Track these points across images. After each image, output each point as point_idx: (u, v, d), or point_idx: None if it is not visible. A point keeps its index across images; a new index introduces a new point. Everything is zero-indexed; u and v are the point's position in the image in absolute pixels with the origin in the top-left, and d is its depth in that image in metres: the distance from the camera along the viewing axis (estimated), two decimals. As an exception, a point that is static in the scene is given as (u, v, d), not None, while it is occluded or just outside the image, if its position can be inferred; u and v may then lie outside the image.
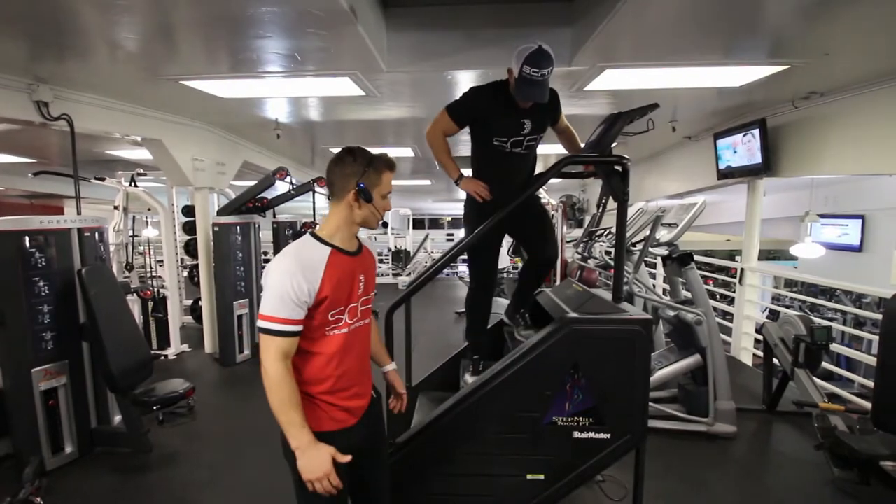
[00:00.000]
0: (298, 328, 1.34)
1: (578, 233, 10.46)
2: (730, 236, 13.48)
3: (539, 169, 2.35)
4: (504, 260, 8.60)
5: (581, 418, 1.94)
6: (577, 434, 1.95)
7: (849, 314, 8.55)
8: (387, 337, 2.09)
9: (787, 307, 7.82)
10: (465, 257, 2.43)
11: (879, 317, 6.19)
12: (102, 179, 5.25)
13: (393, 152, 6.99)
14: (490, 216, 2.07)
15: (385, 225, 2.53)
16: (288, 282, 1.30)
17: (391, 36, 2.88)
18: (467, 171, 2.27)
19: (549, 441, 1.94)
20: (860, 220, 9.62)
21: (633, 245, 3.84)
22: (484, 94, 2.10)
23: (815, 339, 3.14)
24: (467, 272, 2.53)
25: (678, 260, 3.36)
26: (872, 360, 4.79)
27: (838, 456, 2.71)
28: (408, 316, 2.68)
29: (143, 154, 5.84)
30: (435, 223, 21.97)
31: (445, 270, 12.61)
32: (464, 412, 1.96)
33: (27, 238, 2.81)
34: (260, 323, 1.33)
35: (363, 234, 1.58)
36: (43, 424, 2.91)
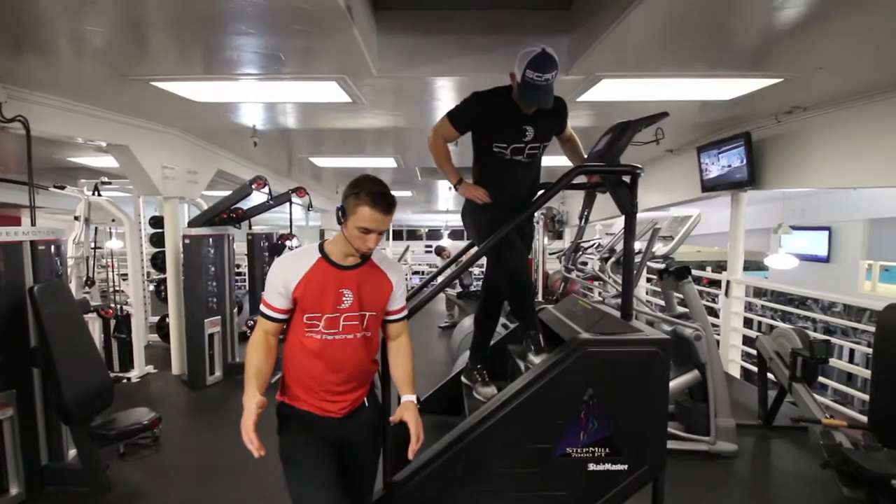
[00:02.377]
0: (279, 316, 1.56)
1: (558, 244, 10.54)
2: (700, 247, 13.81)
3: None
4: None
5: (596, 448, 1.80)
6: (592, 466, 1.80)
7: (818, 322, 8.79)
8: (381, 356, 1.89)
9: (761, 316, 7.98)
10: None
11: (849, 324, 6.34)
12: (62, 188, 4.88)
13: (373, 163, 6.86)
14: (497, 215, 1.99)
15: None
16: (275, 274, 1.55)
17: (381, 39, 2.73)
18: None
19: (563, 475, 1.78)
20: (827, 232, 10.00)
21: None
22: (485, 99, 2.01)
23: (814, 354, 3.09)
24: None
25: (675, 273, 3.29)
26: (850, 368, 4.93)
27: (845, 474, 2.64)
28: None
29: (107, 161, 5.48)
30: (413, 234, 21.81)
31: (415, 277, 12.47)
32: (468, 447, 1.78)
33: (-30, 252, 2.51)
34: (260, 305, 1.59)
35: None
36: (-16, 463, 2.57)
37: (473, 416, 1.82)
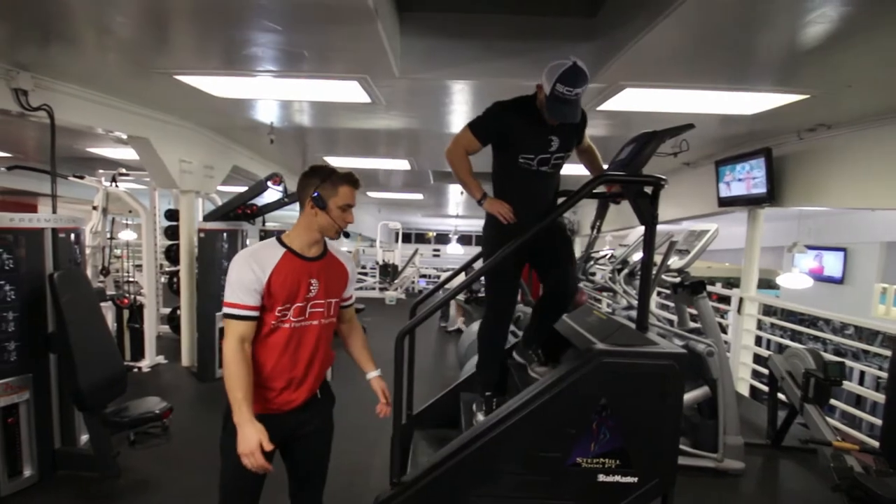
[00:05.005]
0: (253, 314, 1.54)
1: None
2: (710, 263, 13.67)
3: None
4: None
5: (607, 460, 1.78)
6: (602, 477, 1.78)
7: (830, 343, 8.66)
8: (396, 362, 1.89)
9: (770, 335, 7.88)
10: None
11: (862, 346, 6.22)
12: (81, 177, 4.95)
13: (386, 164, 6.89)
14: (513, 238, 1.91)
15: (346, 235, 2.59)
16: (244, 271, 1.52)
17: (405, 40, 2.75)
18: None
19: (572, 484, 1.77)
20: (843, 253, 9.86)
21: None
22: (509, 109, 1.96)
23: (828, 375, 3.05)
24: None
25: (690, 288, 3.26)
26: (861, 391, 4.84)
27: (856, 499, 2.60)
28: (411, 343, 2.50)
29: (125, 153, 5.56)
30: (421, 238, 21.85)
31: (422, 280, 12.45)
32: (479, 450, 1.78)
33: (-6, 237, 2.55)
34: (223, 309, 1.54)
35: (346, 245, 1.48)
36: (0, 444, 2.60)
37: (486, 420, 1.82)
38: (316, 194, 1.58)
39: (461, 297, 7.43)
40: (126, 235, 6.84)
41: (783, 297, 9.44)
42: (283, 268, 1.56)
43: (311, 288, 1.61)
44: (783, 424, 3.58)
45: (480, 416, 2.18)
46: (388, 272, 10.42)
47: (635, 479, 1.78)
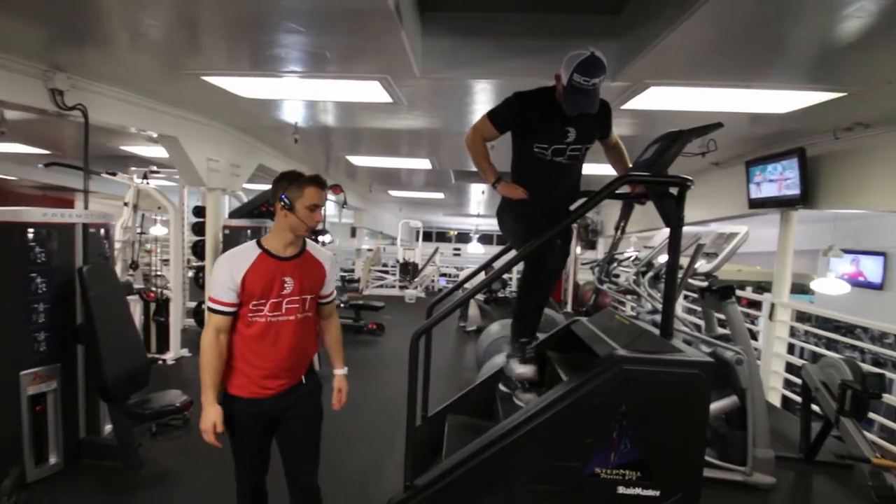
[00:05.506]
0: (229, 309, 1.70)
1: (591, 255, 10.30)
2: (741, 266, 13.22)
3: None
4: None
5: (627, 471, 1.72)
6: (621, 489, 1.72)
7: (867, 352, 8.25)
8: (410, 363, 1.87)
9: (804, 342, 7.56)
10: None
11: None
12: (114, 174, 5.12)
13: (408, 163, 6.90)
14: (529, 221, 1.99)
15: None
16: (222, 272, 1.69)
17: (426, 40, 2.73)
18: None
19: (590, 495, 1.72)
20: (882, 258, 9.38)
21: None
22: (527, 99, 1.99)
23: (866, 387, 2.89)
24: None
25: (718, 292, 3.14)
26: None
27: (896, 521, 2.45)
28: (427, 344, 2.48)
29: (156, 152, 5.72)
30: (442, 237, 21.86)
31: (442, 279, 12.41)
32: (494, 457, 1.74)
33: (28, 231, 2.64)
34: (206, 302, 1.77)
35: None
36: (28, 432, 2.69)
37: (501, 426, 1.78)
38: (283, 196, 1.72)
39: (480, 296, 7.38)
40: (156, 231, 7.05)
41: (818, 304, 9.04)
42: (257, 268, 1.71)
43: (286, 285, 1.74)
44: (817, 438, 3.40)
45: (515, 363, 2.18)
46: (409, 271, 10.45)
47: (657, 493, 1.71)
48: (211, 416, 1.69)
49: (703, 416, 1.70)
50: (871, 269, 9.47)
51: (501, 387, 2.36)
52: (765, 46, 2.35)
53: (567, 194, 2.11)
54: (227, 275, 1.68)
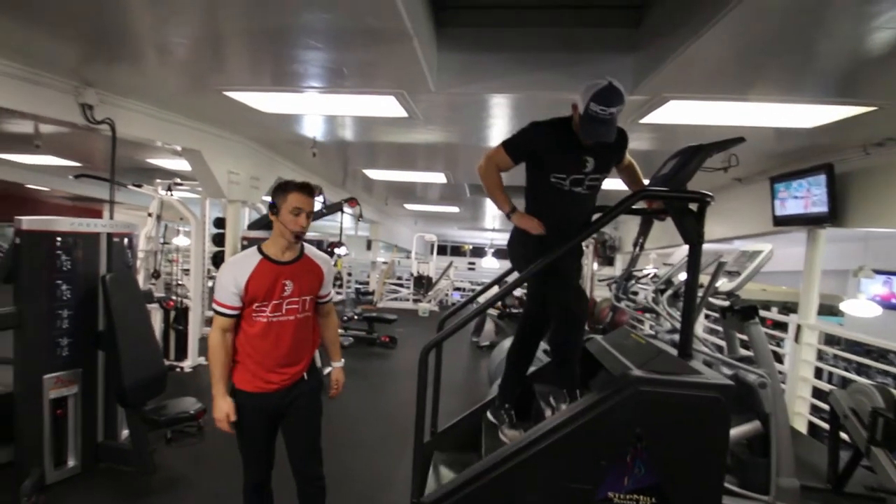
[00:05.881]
0: (233, 312, 1.85)
1: (609, 271, 10.14)
2: (765, 286, 12.80)
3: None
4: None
5: (641, 496, 1.65)
6: (635, 515, 1.65)
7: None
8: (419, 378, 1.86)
9: (833, 366, 7.25)
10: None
11: None
12: (139, 186, 5.28)
13: (424, 177, 6.94)
14: (543, 253, 1.86)
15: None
16: (226, 277, 1.83)
17: (441, 55, 2.76)
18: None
19: (603, 521, 1.65)
20: (917, 279, 8.99)
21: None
22: (543, 129, 1.95)
23: (900, 416, 2.74)
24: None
25: (740, 312, 3.04)
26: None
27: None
28: (438, 358, 2.46)
29: (180, 164, 5.90)
30: (457, 251, 21.85)
31: (456, 293, 12.34)
32: (503, 475, 1.69)
33: (55, 239, 2.73)
34: (212, 305, 1.89)
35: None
36: (48, 435, 2.75)
37: (513, 444, 1.74)
38: (271, 202, 1.86)
39: (494, 311, 7.32)
40: (180, 241, 7.23)
41: (847, 326, 8.68)
42: (258, 273, 1.84)
43: (286, 288, 1.87)
44: (846, 468, 3.23)
45: (501, 432, 2.12)
46: (423, 284, 10.45)
47: (673, 520, 1.64)
48: (223, 407, 1.83)
49: (723, 441, 1.63)
50: (903, 289, 9.08)
51: (489, 416, 2.31)
52: (791, 59, 2.29)
53: (583, 225, 2.05)
54: (230, 280, 1.81)
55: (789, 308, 8.36)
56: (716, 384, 1.62)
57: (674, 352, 1.88)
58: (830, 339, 7.93)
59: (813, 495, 3.17)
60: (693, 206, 1.84)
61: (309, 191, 1.85)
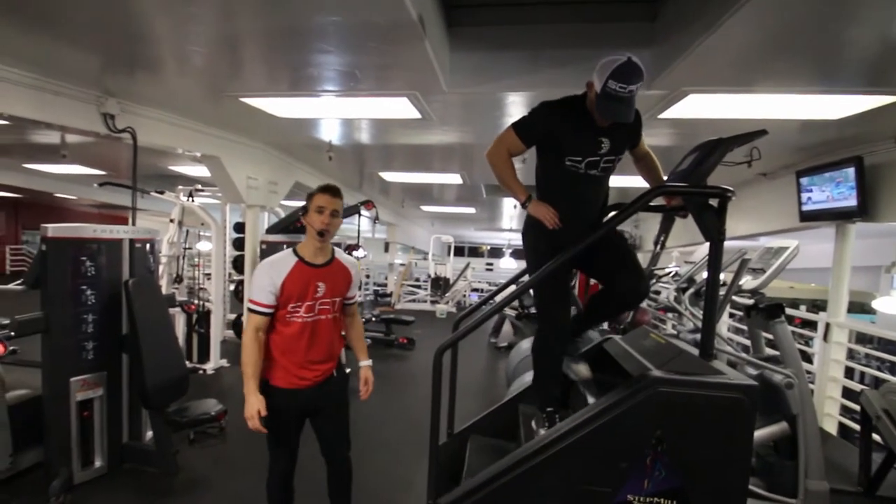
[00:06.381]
0: (268, 311, 1.91)
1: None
2: (793, 283, 12.40)
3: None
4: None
5: (662, 500, 1.61)
6: (656, 519, 1.61)
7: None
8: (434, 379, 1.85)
9: (865, 366, 6.96)
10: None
11: None
12: (161, 193, 5.42)
13: (439, 178, 6.95)
14: (561, 246, 1.80)
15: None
16: (262, 277, 1.90)
17: (454, 55, 2.75)
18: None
19: (623, 525, 1.61)
20: (956, 275, 8.60)
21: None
22: (555, 109, 1.86)
23: (937, 417, 2.61)
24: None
25: (766, 311, 2.94)
26: None
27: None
28: (454, 358, 2.44)
29: (201, 171, 6.03)
30: (475, 252, 21.79)
31: (473, 294, 12.28)
32: (520, 478, 1.67)
33: (80, 246, 2.81)
34: (247, 304, 1.97)
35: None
36: (76, 436, 2.84)
37: (528, 446, 1.71)
38: (303, 204, 1.99)
39: (511, 312, 7.26)
40: (203, 246, 7.39)
41: (880, 324, 8.34)
42: (294, 274, 1.92)
43: (319, 289, 1.96)
44: (879, 470, 3.10)
45: (542, 432, 2.05)
46: (440, 285, 10.45)
47: (695, 526, 1.59)
48: (254, 404, 1.88)
49: (747, 443, 1.57)
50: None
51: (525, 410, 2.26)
52: (815, 47, 2.21)
53: (598, 212, 1.98)
54: (267, 280, 1.89)
55: (818, 306, 8.08)
56: (738, 384, 1.56)
57: (695, 352, 1.83)
58: (862, 338, 7.63)
59: (843, 499, 3.06)
60: (713, 202, 1.78)
61: (332, 191, 1.93)
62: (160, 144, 4.06)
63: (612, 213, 1.94)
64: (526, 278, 2.12)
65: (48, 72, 3.00)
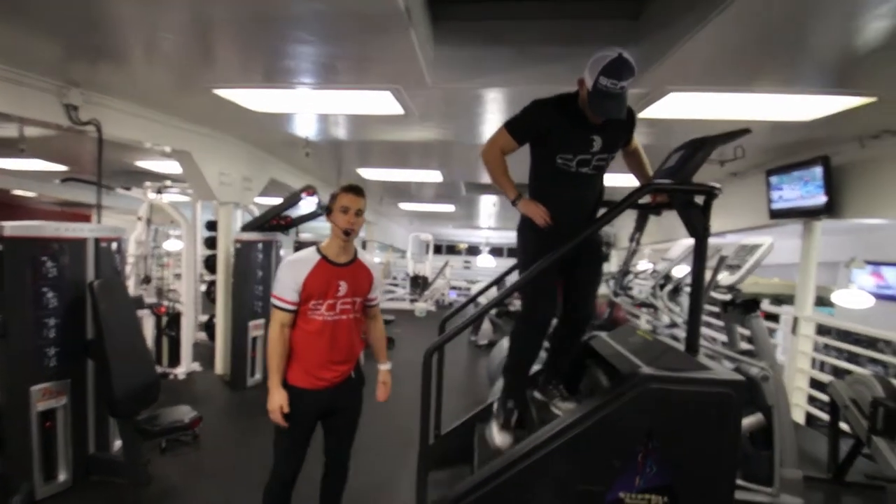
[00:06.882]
0: (292, 307, 1.95)
1: (605, 267, 10.15)
2: (757, 278, 12.91)
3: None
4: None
5: (653, 496, 1.62)
6: (648, 515, 1.62)
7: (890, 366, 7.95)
8: (423, 380, 1.83)
9: (825, 356, 7.30)
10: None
11: None
12: (128, 189, 5.17)
13: (419, 176, 6.89)
14: (552, 245, 1.81)
15: (347, 234, 2.73)
16: (286, 274, 1.94)
17: (438, 49, 2.70)
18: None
19: (615, 522, 1.61)
20: (905, 269, 9.10)
21: (689, 286, 3.52)
22: (547, 107, 1.87)
23: (902, 406, 2.74)
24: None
25: (742, 306, 3.02)
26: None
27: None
28: (440, 360, 2.41)
29: (170, 167, 5.78)
30: (452, 250, 21.79)
31: (452, 292, 12.28)
32: (512, 479, 1.65)
33: (41, 245, 2.64)
34: (271, 300, 1.98)
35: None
36: (37, 448, 2.66)
37: (519, 448, 1.70)
38: (325, 207, 2.01)
39: (492, 311, 7.27)
40: (171, 245, 7.10)
41: (837, 316, 8.76)
42: (316, 271, 1.94)
43: (340, 288, 1.98)
44: (847, 457, 3.24)
45: (495, 428, 2.06)
46: (419, 284, 10.39)
47: (686, 520, 1.61)
48: (277, 399, 1.92)
49: (735, 436, 1.60)
50: (894, 280, 9.20)
51: (536, 394, 2.23)
52: (794, 48, 2.26)
53: (591, 209, 1.99)
54: (290, 277, 1.93)
55: (780, 300, 8.41)
56: (727, 380, 1.59)
57: (680, 347, 1.85)
58: (821, 330, 7.99)
59: (815, 485, 3.18)
60: (699, 199, 1.81)
61: (356, 191, 1.96)
62: (127, 138, 3.86)
63: (603, 210, 1.95)
64: (513, 277, 2.11)
65: (4, 59, 2.80)
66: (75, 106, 3.19)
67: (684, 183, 1.77)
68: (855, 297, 6.36)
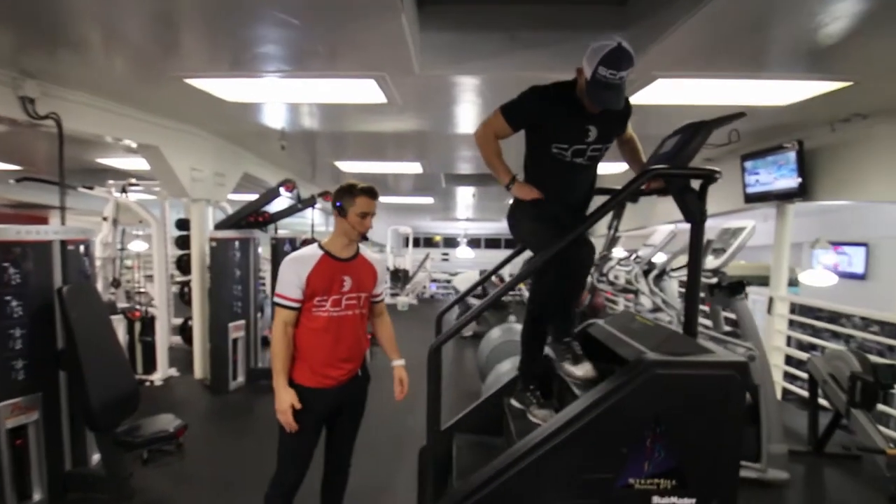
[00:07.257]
0: (295, 305, 1.92)
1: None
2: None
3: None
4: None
5: (662, 480, 1.62)
6: (657, 499, 1.63)
7: (853, 339, 8.39)
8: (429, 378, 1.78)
9: (791, 332, 7.63)
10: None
11: (889, 342, 5.99)
12: (90, 188, 4.88)
13: (397, 168, 6.79)
14: (550, 221, 1.85)
15: (364, 238, 2.67)
16: (288, 271, 1.91)
17: (424, 35, 2.62)
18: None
19: (626, 509, 1.61)
20: (864, 248, 9.59)
21: (674, 271, 3.59)
22: (545, 95, 1.83)
23: (878, 378, 2.86)
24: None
25: (728, 288, 3.09)
26: None
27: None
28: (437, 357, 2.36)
29: (134, 164, 5.50)
30: (429, 242, 21.71)
31: (433, 285, 12.24)
32: (519, 475, 1.62)
33: (0, 251, 2.45)
34: (274, 298, 1.95)
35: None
36: (8, 467, 2.48)
37: (525, 442, 1.67)
38: (339, 204, 1.95)
39: (474, 301, 7.27)
40: (136, 246, 6.78)
41: (803, 294, 9.17)
42: (320, 267, 1.92)
43: (345, 283, 1.96)
44: (826, 430, 3.38)
45: (569, 366, 1.96)
46: (400, 278, 10.31)
47: (693, 501, 1.63)
48: (286, 399, 1.87)
49: (738, 417, 1.62)
50: (855, 259, 9.67)
51: (513, 402, 2.20)
52: (778, 34, 2.29)
53: (585, 197, 1.98)
54: (293, 274, 1.90)
55: (748, 281, 8.72)
56: (731, 362, 1.60)
57: (680, 332, 1.86)
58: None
59: (797, 458, 3.30)
60: (695, 184, 1.81)
61: (374, 194, 1.96)
62: (89, 132, 3.62)
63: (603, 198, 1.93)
64: (509, 267, 2.08)
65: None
66: (31, 98, 2.96)
67: (684, 168, 1.76)
68: (820, 276, 6.65)
